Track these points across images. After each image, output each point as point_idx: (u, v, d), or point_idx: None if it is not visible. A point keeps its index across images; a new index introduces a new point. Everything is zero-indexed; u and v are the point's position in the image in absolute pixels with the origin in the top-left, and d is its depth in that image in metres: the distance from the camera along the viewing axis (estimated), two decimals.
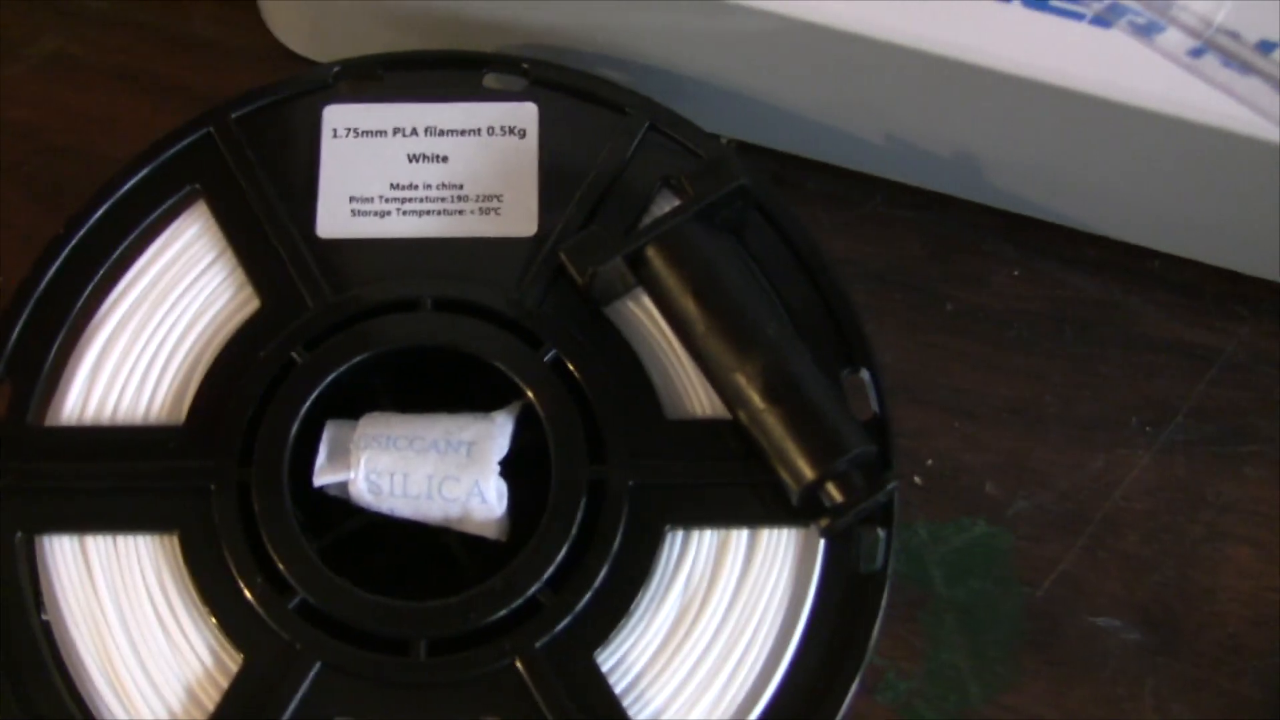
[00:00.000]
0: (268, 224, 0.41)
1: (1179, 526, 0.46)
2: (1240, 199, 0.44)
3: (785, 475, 0.38)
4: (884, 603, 0.38)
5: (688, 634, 0.38)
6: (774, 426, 0.38)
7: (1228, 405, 0.47)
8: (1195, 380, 0.48)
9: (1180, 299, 0.49)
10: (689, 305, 0.39)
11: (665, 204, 0.42)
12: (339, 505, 0.39)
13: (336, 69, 0.44)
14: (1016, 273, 0.49)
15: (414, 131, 0.43)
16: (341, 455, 0.39)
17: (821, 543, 0.38)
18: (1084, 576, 0.46)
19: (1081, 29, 0.41)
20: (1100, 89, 0.42)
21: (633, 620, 0.38)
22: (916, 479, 0.47)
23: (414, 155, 0.43)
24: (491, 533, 0.39)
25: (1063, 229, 0.49)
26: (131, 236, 0.41)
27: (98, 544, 0.38)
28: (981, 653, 0.45)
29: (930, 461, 0.47)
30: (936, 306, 0.49)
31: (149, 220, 0.42)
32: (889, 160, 0.48)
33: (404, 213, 0.42)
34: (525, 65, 0.43)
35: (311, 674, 0.37)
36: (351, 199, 0.42)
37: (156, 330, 0.41)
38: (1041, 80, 0.42)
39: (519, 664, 0.37)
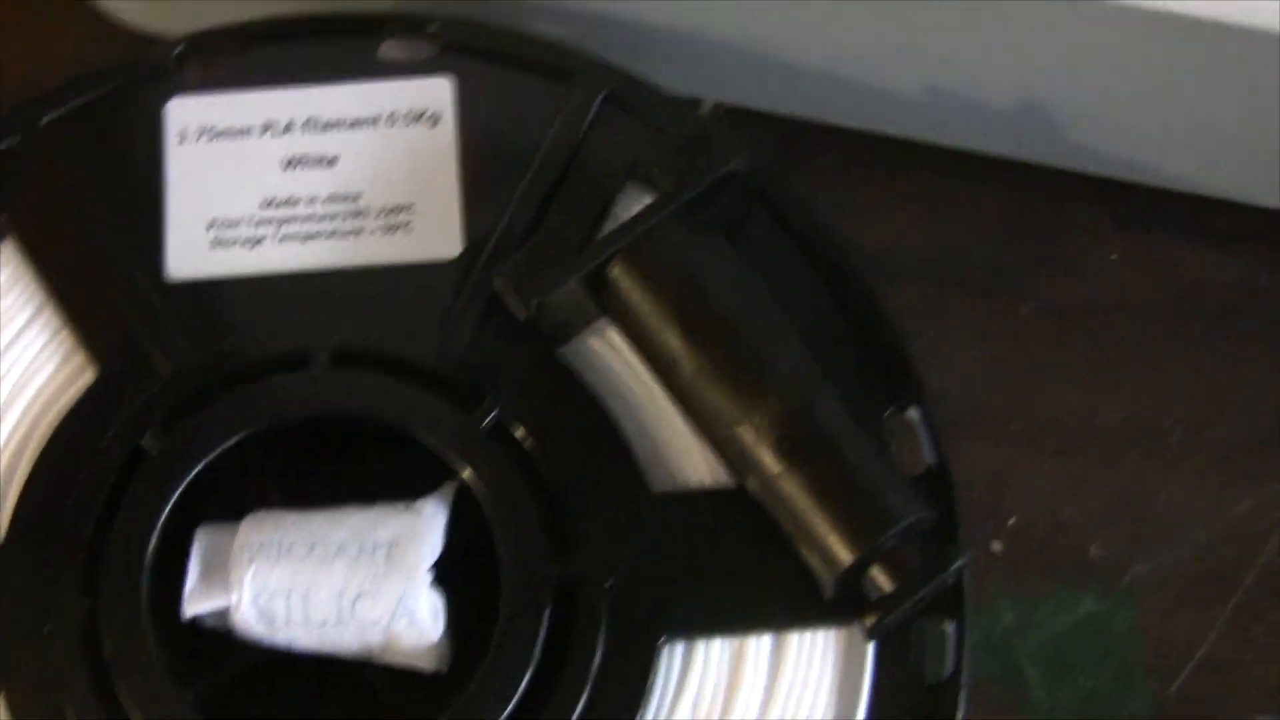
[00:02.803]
0: (100, 265, 0.40)
1: None
2: None
3: (814, 559, 0.37)
4: None
5: None
6: (795, 495, 0.36)
7: None
8: None
9: None
10: (671, 339, 0.38)
11: (634, 201, 0.40)
12: (222, 639, 0.37)
13: (180, 47, 0.42)
14: (1114, 256, 0.48)
15: (290, 126, 0.42)
16: (219, 573, 0.37)
17: (869, 645, 0.37)
18: (1233, 662, 0.44)
19: None
20: (1234, 15, 0.41)
21: None
22: (995, 545, 0.45)
23: (292, 159, 0.41)
24: (426, 663, 0.37)
25: (1175, 194, 0.47)
26: None
27: None
28: None
29: (1014, 520, 0.45)
30: (1012, 306, 0.47)
31: None
32: (932, 118, 0.47)
33: (283, 238, 0.41)
34: (434, 26, 0.42)
35: None
36: (212, 224, 0.41)
37: None
38: (1152, 7, 0.41)
39: None
